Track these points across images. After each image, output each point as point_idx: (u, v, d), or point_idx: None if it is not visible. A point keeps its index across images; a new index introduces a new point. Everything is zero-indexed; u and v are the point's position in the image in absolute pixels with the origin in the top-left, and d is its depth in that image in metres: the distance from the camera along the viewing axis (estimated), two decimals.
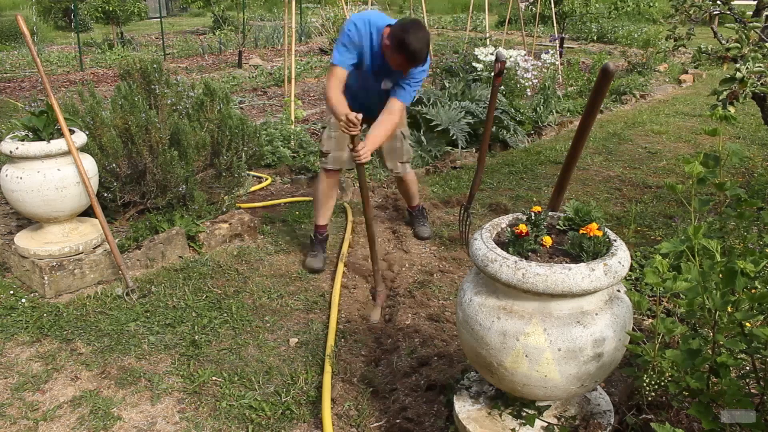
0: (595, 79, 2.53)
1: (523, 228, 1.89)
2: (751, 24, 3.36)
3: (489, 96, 5.97)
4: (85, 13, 12.43)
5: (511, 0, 10.50)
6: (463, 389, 2.19)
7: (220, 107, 4.10)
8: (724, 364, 1.59)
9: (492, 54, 6.65)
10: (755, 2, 4.02)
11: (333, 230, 4.05)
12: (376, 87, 3.30)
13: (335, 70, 3.14)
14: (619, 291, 1.89)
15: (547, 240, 1.91)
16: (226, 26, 13.61)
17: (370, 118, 3.27)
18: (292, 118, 5.86)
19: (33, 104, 3.57)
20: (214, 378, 2.61)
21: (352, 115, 2.86)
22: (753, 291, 1.56)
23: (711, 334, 1.62)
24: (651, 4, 12.66)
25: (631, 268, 3.17)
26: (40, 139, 3.15)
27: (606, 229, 1.90)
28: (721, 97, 3.15)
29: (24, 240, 3.36)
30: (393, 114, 3.24)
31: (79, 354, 2.77)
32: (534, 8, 11.59)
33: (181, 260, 3.62)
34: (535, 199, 4.63)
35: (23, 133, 3.22)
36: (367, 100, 3.36)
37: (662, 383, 1.66)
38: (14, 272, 3.44)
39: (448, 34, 14.00)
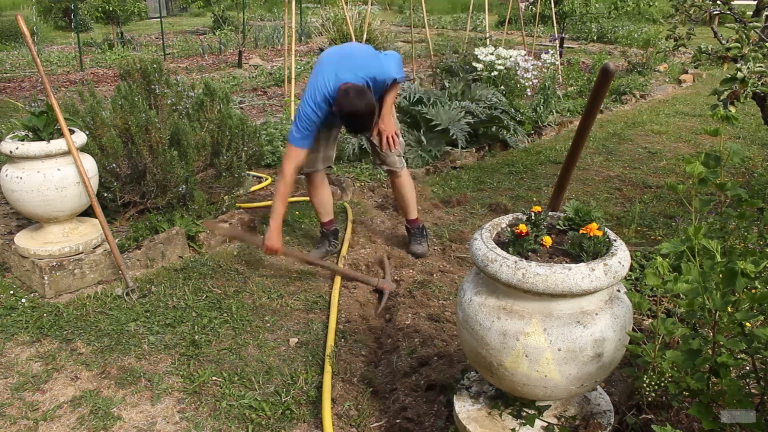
0: (595, 79, 2.53)
1: (523, 228, 1.89)
2: (751, 24, 3.36)
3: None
4: (85, 13, 12.43)
5: (511, 0, 10.50)
6: (463, 389, 2.19)
7: (220, 107, 4.10)
8: (724, 364, 1.59)
9: (492, 54, 6.66)
10: (755, 2, 4.02)
11: None
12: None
13: (298, 153, 3.26)
14: (619, 291, 1.89)
15: (547, 240, 1.91)
16: (226, 26, 13.60)
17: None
18: (292, 117, 5.85)
19: (33, 104, 3.57)
20: (214, 378, 2.61)
21: (276, 248, 3.27)
22: (753, 291, 1.56)
23: (711, 334, 1.62)
24: (651, 4, 12.66)
25: (632, 268, 3.17)
26: (40, 139, 3.15)
27: (606, 229, 1.90)
28: (721, 97, 3.14)
29: (24, 240, 3.36)
30: (393, 90, 3.41)
31: (79, 354, 2.77)
32: (534, 8, 11.59)
33: (181, 260, 3.62)
34: (535, 199, 4.63)
35: (23, 133, 3.22)
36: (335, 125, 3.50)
37: (662, 383, 1.66)
38: (14, 272, 3.44)
39: (448, 34, 14.00)
